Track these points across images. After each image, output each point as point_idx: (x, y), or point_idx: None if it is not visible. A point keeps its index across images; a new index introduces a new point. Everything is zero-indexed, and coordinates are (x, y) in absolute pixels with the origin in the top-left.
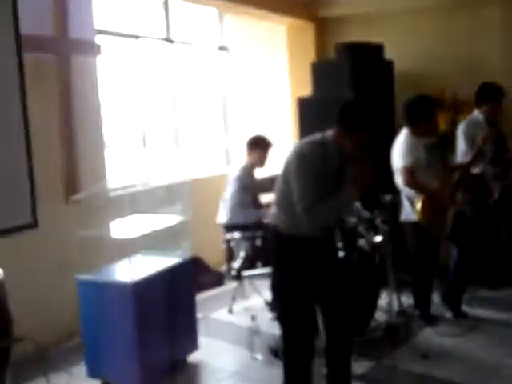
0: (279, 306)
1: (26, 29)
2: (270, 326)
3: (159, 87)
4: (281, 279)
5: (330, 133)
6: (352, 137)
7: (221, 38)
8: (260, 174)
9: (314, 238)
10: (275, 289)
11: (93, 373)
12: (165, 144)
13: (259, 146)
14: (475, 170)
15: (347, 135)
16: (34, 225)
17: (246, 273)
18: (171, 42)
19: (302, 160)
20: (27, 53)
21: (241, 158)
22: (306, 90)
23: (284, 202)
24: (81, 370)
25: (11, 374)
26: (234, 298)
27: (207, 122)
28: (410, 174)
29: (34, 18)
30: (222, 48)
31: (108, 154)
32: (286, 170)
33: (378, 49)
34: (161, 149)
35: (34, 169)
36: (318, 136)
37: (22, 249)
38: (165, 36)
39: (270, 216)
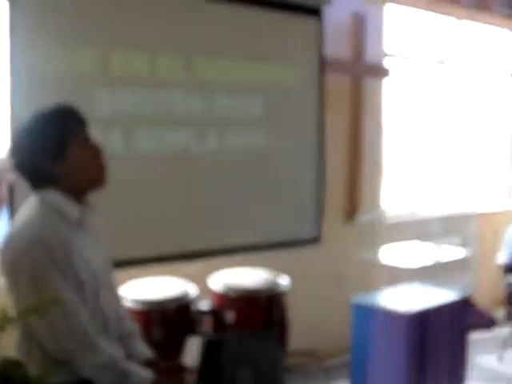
0: None
1: (327, 52)
2: None
3: (442, 112)
4: None
5: None
6: None
7: None
8: None
9: None
10: None
11: None
12: (444, 173)
13: None
14: None
15: None
16: (317, 240)
17: None
18: (463, 66)
19: None
20: (327, 74)
21: None
22: None
23: None
24: None
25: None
26: (505, 345)
27: (493, 152)
28: None
29: (334, 43)
30: None
31: (387, 177)
32: None
33: None
34: (440, 177)
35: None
36: None
37: (304, 261)
38: (457, 60)
39: None
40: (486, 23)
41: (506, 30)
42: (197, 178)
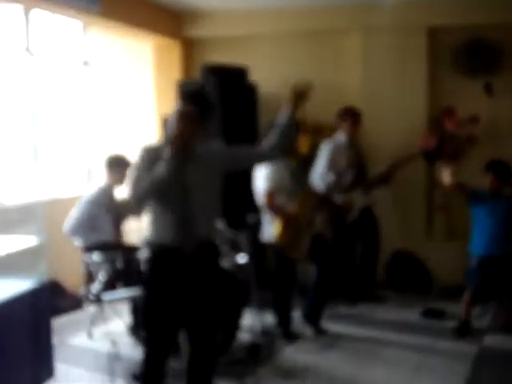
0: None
1: None
2: (132, 351)
3: (18, 100)
4: (146, 298)
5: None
6: None
7: (84, 53)
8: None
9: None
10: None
11: None
12: (23, 161)
13: (119, 166)
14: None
15: None
16: None
17: (105, 296)
18: (32, 53)
19: None
20: None
21: (101, 177)
22: (172, 110)
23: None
24: None
25: None
26: (92, 323)
27: (69, 139)
28: (271, 197)
29: None
30: (86, 63)
31: None
32: None
33: (241, 72)
34: (18, 166)
35: None
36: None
37: None
38: (25, 47)
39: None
40: (59, 14)
41: (78, 22)
42: None
